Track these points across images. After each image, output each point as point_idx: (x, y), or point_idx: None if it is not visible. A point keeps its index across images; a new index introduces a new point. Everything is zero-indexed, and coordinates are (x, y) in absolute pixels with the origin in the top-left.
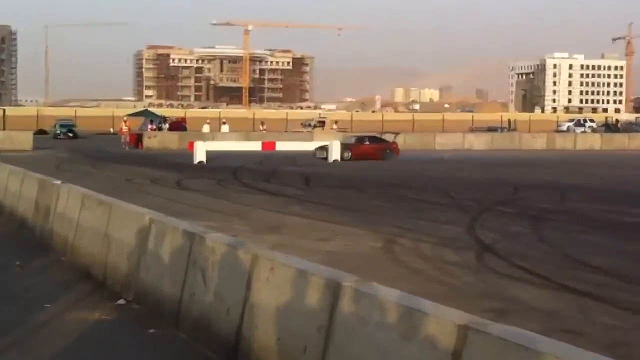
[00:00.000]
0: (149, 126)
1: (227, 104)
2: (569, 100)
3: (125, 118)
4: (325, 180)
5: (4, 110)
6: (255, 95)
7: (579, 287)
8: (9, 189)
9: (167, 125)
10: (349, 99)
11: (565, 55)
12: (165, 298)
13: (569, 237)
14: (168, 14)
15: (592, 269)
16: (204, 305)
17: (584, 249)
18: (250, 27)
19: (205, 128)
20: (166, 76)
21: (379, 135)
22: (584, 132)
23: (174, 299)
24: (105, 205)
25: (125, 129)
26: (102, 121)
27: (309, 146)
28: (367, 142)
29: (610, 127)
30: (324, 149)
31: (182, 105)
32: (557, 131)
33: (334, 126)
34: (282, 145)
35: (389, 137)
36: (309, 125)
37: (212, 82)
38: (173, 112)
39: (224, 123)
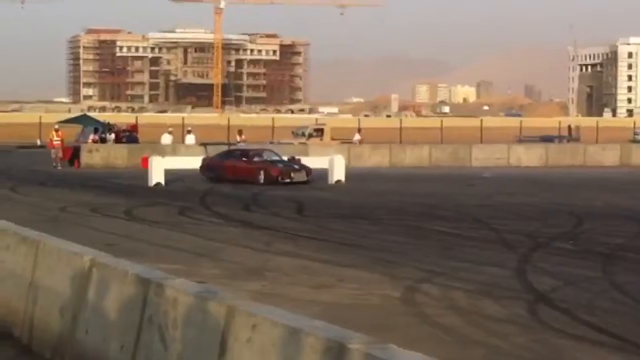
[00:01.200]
0: (91, 137)
1: (193, 107)
2: None
3: (56, 126)
4: (325, 209)
5: None
6: (231, 94)
7: None
8: None
9: (112, 136)
10: (355, 100)
11: None
12: None
13: None
14: None
15: None
16: None
17: None
18: (222, 5)
19: (165, 139)
20: (111, 70)
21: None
22: None
23: None
24: (30, 243)
25: (56, 140)
26: (25, 130)
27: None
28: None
29: None
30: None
31: (133, 109)
32: (635, 141)
33: (357, 137)
34: None
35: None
36: (303, 134)
37: (172, 77)
38: (121, 118)
39: (189, 132)
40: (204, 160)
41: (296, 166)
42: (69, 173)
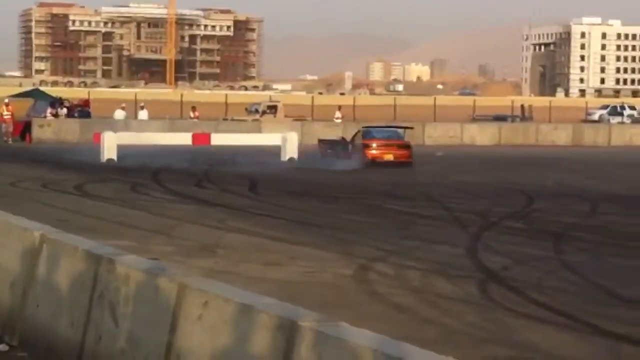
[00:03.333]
0: (48, 110)
1: (145, 83)
2: (602, 81)
3: (6, 100)
4: (277, 186)
5: None
6: (184, 70)
7: (613, 328)
8: None
9: (64, 111)
10: (309, 77)
11: (598, 20)
12: (61, 343)
13: (601, 262)
14: None
15: (631, 304)
16: (114, 352)
17: (620, 278)
18: None
19: (118, 114)
20: (64, 44)
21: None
22: (622, 122)
23: (73, 344)
24: None
25: (6, 115)
26: None
27: (256, 140)
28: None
29: None
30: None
31: (86, 84)
32: (586, 121)
33: (338, 114)
34: (219, 139)
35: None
36: (256, 111)
37: (125, 52)
38: (73, 93)
39: (142, 108)
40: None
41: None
42: (20, 148)
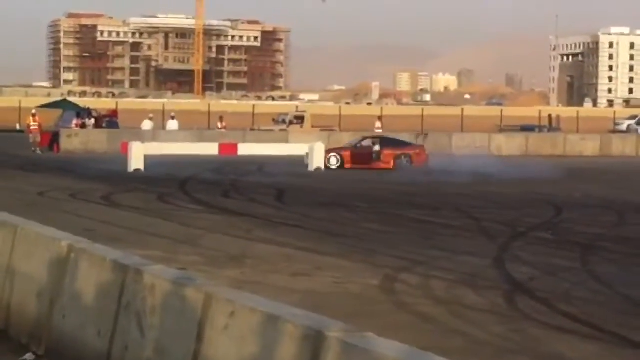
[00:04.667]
0: (74, 121)
1: (173, 93)
2: (630, 91)
3: (33, 111)
4: (304, 196)
5: None
6: (212, 81)
7: None
8: None
9: (92, 121)
10: (337, 88)
11: (626, 30)
12: (88, 352)
13: (629, 273)
14: None
15: None
16: None
17: None
18: None
19: (146, 125)
20: (92, 55)
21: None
22: None
23: (100, 353)
24: (7, 227)
25: (33, 125)
26: (5, 114)
27: (283, 150)
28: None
29: None
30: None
31: (114, 94)
32: (614, 131)
33: (378, 124)
34: (246, 149)
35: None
36: (284, 121)
37: (153, 63)
38: (101, 103)
39: (173, 118)
40: None
41: None
42: (48, 158)
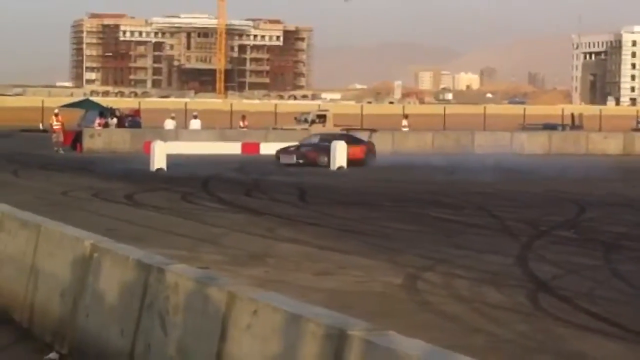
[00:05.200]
0: (97, 120)
1: (195, 92)
2: None
3: (56, 111)
4: (326, 195)
5: None
6: (234, 80)
7: None
8: None
9: (114, 120)
10: (358, 87)
11: None
12: (111, 351)
13: None
14: None
15: None
16: None
17: None
18: None
19: (169, 124)
20: (114, 54)
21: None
22: None
23: (123, 352)
24: (31, 227)
25: (56, 125)
26: (28, 114)
27: None
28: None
29: None
30: (291, 152)
31: (136, 94)
32: (637, 130)
33: (405, 122)
34: (268, 148)
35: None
36: (305, 120)
37: (175, 62)
38: (124, 103)
39: (195, 117)
40: None
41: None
42: (71, 157)
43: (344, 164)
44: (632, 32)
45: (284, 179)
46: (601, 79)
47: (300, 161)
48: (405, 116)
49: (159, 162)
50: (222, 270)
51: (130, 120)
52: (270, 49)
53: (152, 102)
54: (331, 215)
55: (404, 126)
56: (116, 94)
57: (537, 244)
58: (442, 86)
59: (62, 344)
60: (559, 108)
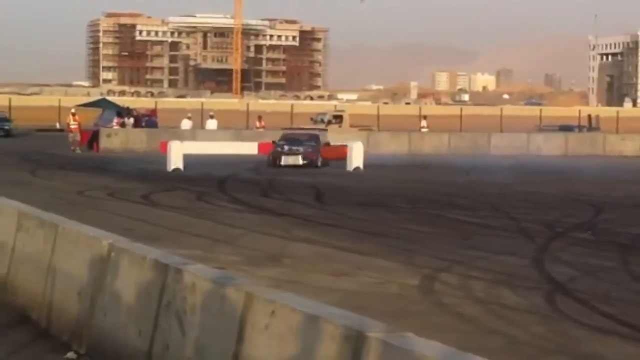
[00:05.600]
0: (115, 120)
1: (212, 92)
2: None
3: (73, 110)
4: (343, 196)
5: None
6: (250, 80)
7: None
8: None
9: (131, 120)
10: (375, 87)
11: None
12: (129, 351)
13: None
14: None
15: None
16: None
17: None
18: None
19: (185, 124)
20: (131, 54)
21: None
22: None
23: (140, 352)
24: (49, 226)
25: (73, 124)
26: (45, 113)
27: None
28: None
29: None
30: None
31: (152, 94)
32: None
33: (424, 123)
34: None
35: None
36: (322, 120)
37: (192, 62)
38: (140, 103)
39: (212, 117)
40: None
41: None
42: (87, 157)
43: (361, 164)
44: None
45: (299, 179)
46: (618, 80)
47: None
48: (424, 117)
49: (175, 162)
50: (238, 270)
51: (147, 120)
52: (286, 49)
53: (169, 102)
54: (347, 216)
55: (423, 127)
56: (132, 94)
57: (553, 246)
58: (458, 87)
59: (80, 343)
60: (575, 109)
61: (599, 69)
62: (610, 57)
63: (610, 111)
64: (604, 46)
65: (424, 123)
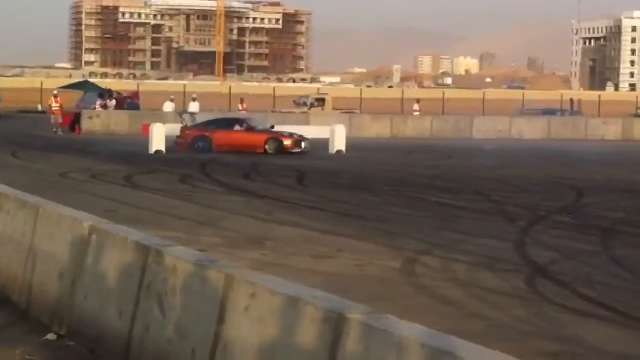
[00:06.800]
0: (98, 102)
1: (195, 75)
2: None
3: (55, 92)
4: (325, 178)
5: None
6: (233, 63)
7: None
8: None
9: (113, 102)
10: (358, 70)
11: None
12: (110, 333)
13: None
14: None
15: None
16: (161, 342)
17: None
18: None
19: (168, 107)
20: (114, 36)
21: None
22: None
23: (121, 334)
24: (30, 208)
25: (55, 107)
26: (27, 95)
27: (304, 132)
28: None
29: None
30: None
31: (135, 76)
32: (637, 115)
33: (416, 106)
34: None
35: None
36: (305, 104)
37: (175, 45)
38: (122, 85)
39: (194, 100)
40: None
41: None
42: (69, 139)
43: (343, 147)
44: (632, 18)
45: (282, 162)
46: (600, 65)
47: None
48: (417, 101)
49: (157, 144)
50: (220, 253)
51: (129, 102)
52: (269, 32)
53: (151, 84)
54: (330, 199)
55: (416, 110)
56: (115, 76)
57: (535, 229)
58: (441, 71)
59: (60, 325)
60: (558, 93)
61: (582, 54)
62: (593, 42)
63: (592, 95)
64: (588, 30)
65: (416, 107)
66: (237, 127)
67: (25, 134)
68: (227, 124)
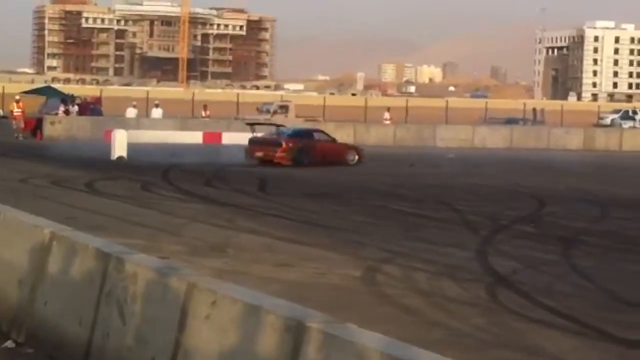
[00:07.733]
0: (61, 108)
1: (158, 81)
2: (615, 85)
3: (17, 97)
4: (287, 186)
5: None
6: (196, 69)
7: (621, 334)
8: None
9: (75, 108)
10: (321, 78)
11: (611, 24)
12: (69, 340)
13: (610, 267)
14: None
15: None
16: (121, 350)
17: (629, 283)
18: None
19: (130, 112)
20: (76, 41)
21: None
22: (634, 127)
23: (81, 341)
24: None
25: (17, 112)
26: None
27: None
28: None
29: None
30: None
31: (98, 81)
32: (598, 125)
33: (387, 115)
34: (230, 137)
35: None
36: (268, 111)
37: (138, 50)
38: (85, 91)
39: (157, 106)
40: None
41: None
42: (30, 144)
43: None
44: (595, 28)
45: (244, 169)
46: (563, 74)
47: None
48: (388, 109)
49: (119, 150)
50: (181, 260)
51: (92, 108)
52: (233, 38)
53: (114, 90)
54: (291, 207)
55: (386, 119)
56: (77, 82)
57: (497, 238)
58: (404, 79)
59: (19, 332)
60: (520, 102)
61: (545, 63)
62: (556, 51)
63: (555, 104)
64: (550, 40)
65: (387, 115)
66: (318, 138)
67: None
68: (309, 134)
